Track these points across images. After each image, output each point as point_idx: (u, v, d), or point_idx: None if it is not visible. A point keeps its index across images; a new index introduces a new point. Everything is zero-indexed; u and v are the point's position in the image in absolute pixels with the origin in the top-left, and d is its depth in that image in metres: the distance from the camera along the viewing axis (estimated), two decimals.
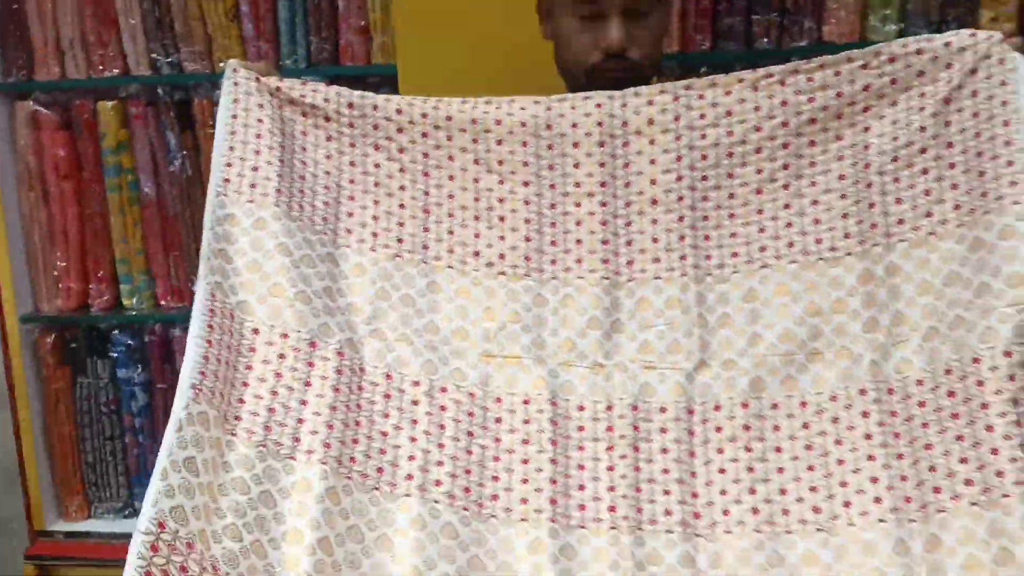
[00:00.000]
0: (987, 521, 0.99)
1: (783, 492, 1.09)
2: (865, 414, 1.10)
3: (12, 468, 2.09)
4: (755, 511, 1.08)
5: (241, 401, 1.10)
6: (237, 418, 1.09)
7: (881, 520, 1.04)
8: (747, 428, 1.12)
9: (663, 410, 1.14)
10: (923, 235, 1.14)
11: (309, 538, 1.03)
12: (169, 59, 2.00)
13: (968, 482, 1.01)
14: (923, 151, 1.15)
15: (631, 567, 1.05)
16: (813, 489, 1.08)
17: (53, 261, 2.07)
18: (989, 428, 1.02)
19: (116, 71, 2.01)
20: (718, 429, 1.13)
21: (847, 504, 1.06)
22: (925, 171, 1.15)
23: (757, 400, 1.13)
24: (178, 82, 2.00)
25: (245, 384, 1.12)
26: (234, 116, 1.23)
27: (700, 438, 1.13)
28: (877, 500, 1.05)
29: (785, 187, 1.20)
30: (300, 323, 1.16)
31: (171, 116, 2.00)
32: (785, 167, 1.20)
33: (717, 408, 1.14)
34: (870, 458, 1.08)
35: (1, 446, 2.14)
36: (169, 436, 1.02)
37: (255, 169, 1.21)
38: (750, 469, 1.10)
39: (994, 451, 1.01)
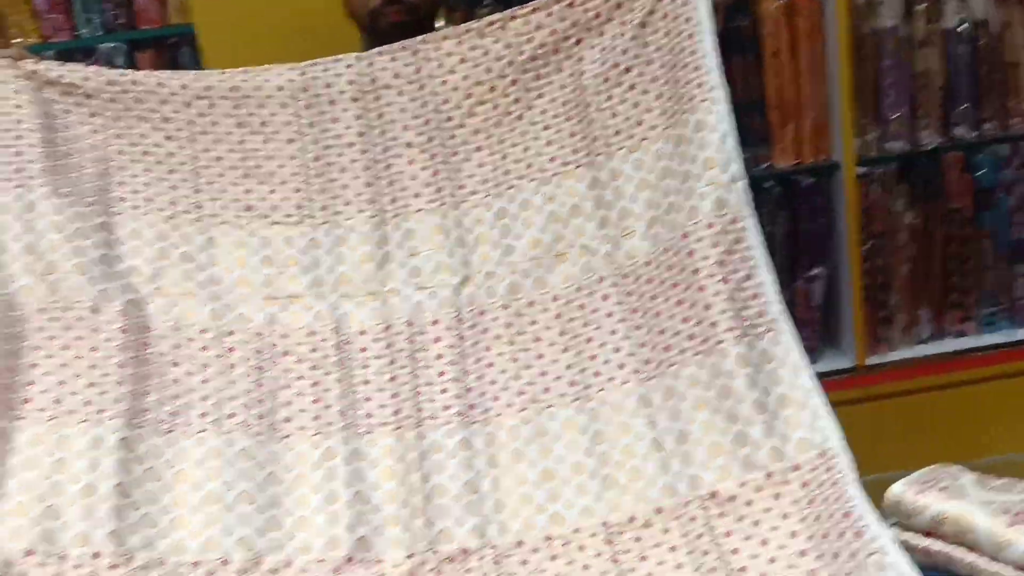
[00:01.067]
0: (708, 366, 1.17)
1: (543, 374, 1.26)
2: (605, 297, 1.28)
3: None
4: (520, 393, 1.24)
5: (31, 383, 1.18)
6: (27, 401, 1.17)
7: (626, 382, 1.22)
8: (508, 326, 1.29)
9: (435, 322, 1.29)
10: (637, 141, 1.32)
11: (104, 488, 1.12)
12: None
13: (691, 337, 1.19)
14: (628, 70, 1.33)
15: (416, 457, 1.20)
16: (569, 367, 1.25)
17: None
18: (701, 289, 1.19)
19: None
20: (484, 331, 1.29)
21: (597, 374, 1.24)
22: (632, 87, 1.33)
23: (515, 301, 1.30)
24: None
25: (33, 366, 1.19)
26: None
27: (470, 341, 1.28)
28: (621, 366, 1.23)
29: (519, 118, 1.37)
30: (80, 293, 1.23)
31: None
32: (516, 101, 1.36)
33: (482, 314, 1.30)
34: (612, 333, 1.26)
35: None
36: None
37: (19, 154, 1.26)
38: (514, 360, 1.27)
39: (707, 307, 1.18)
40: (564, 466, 1.19)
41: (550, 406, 1.23)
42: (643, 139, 1.32)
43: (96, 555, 1.08)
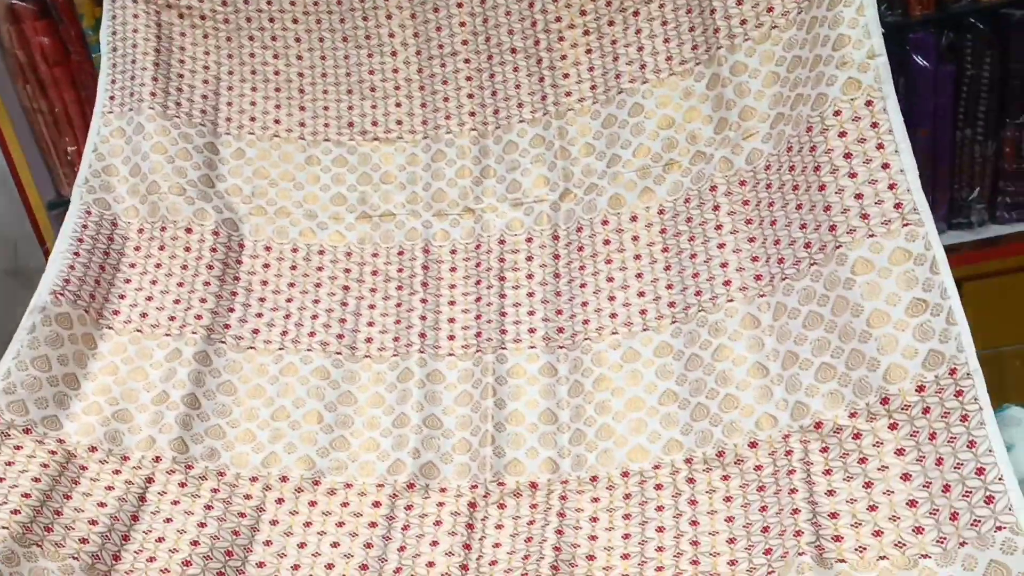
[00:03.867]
0: (825, 276, 1.04)
1: (641, 294, 1.20)
2: (716, 208, 1.19)
3: None
4: (613, 315, 1.20)
5: (122, 296, 1.27)
6: (116, 313, 1.26)
7: (731, 300, 1.14)
8: (607, 243, 1.23)
9: (529, 240, 1.27)
10: (766, 30, 1.17)
11: (174, 396, 1.20)
12: None
13: (807, 245, 1.08)
14: None
15: (492, 382, 1.19)
16: (669, 286, 1.19)
17: (64, 147, 2.24)
18: (822, 188, 1.07)
19: None
20: (580, 248, 1.24)
21: (699, 293, 1.16)
22: None
23: (617, 215, 1.23)
24: None
25: (127, 281, 1.28)
26: (113, 33, 1.35)
27: (564, 259, 1.24)
28: (727, 283, 1.15)
29: (635, 13, 1.24)
30: (176, 213, 1.30)
31: None
32: None
33: (579, 230, 1.24)
34: (721, 247, 1.17)
35: None
36: (19, 336, 1.18)
37: (132, 78, 1.34)
38: (610, 279, 1.22)
39: (827, 208, 1.05)
40: (653, 395, 1.14)
41: (645, 329, 1.18)
42: (772, 27, 1.16)
43: (157, 459, 1.16)
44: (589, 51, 1.27)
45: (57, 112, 2.21)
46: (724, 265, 1.16)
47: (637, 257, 1.22)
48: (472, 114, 1.32)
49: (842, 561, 0.89)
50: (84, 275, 1.25)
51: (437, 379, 1.22)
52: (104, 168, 1.31)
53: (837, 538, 0.91)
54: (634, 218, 1.23)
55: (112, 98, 1.34)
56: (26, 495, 1.06)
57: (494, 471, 1.14)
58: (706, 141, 1.21)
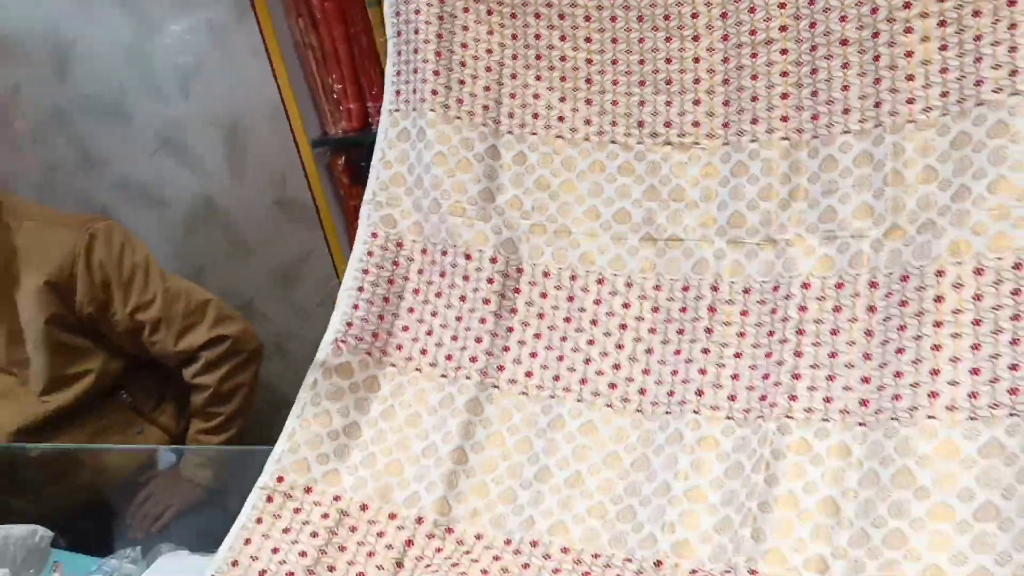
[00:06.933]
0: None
1: (975, 372, 0.94)
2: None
3: None
4: (933, 395, 0.95)
5: (405, 328, 1.18)
6: (399, 347, 1.18)
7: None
8: (939, 300, 0.96)
9: (839, 285, 1.03)
10: None
11: (443, 450, 1.10)
12: None
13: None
14: None
15: (767, 454, 1.00)
16: (1014, 368, 0.91)
17: (331, 85, 2.24)
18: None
19: None
20: (903, 303, 0.99)
21: None
22: None
23: (956, 266, 0.96)
24: None
25: (411, 311, 1.19)
26: (397, 13, 1.22)
27: (880, 315, 1.00)
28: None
29: (1011, 2, 0.97)
30: (455, 237, 1.18)
31: None
32: None
33: (905, 279, 0.99)
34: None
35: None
36: (302, 394, 1.12)
37: (415, 71, 1.20)
38: (936, 347, 0.96)
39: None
40: (969, 506, 0.89)
41: (973, 418, 0.92)
42: None
43: (419, 520, 1.08)
44: (944, 47, 0.99)
45: (326, 49, 2.21)
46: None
47: (977, 322, 0.94)
48: (784, 119, 1.08)
49: None
50: (368, 313, 1.17)
51: (709, 446, 1.04)
52: (391, 178, 1.21)
53: None
54: (979, 271, 0.95)
55: (398, 93, 1.21)
56: (289, 573, 1.03)
57: (748, 556, 0.95)
58: None
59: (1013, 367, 0.91)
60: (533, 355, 1.16)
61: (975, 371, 0.93)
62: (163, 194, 2.72)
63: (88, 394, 2.01)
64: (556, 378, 1.14)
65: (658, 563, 0.99)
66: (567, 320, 1.16)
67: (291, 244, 2.63)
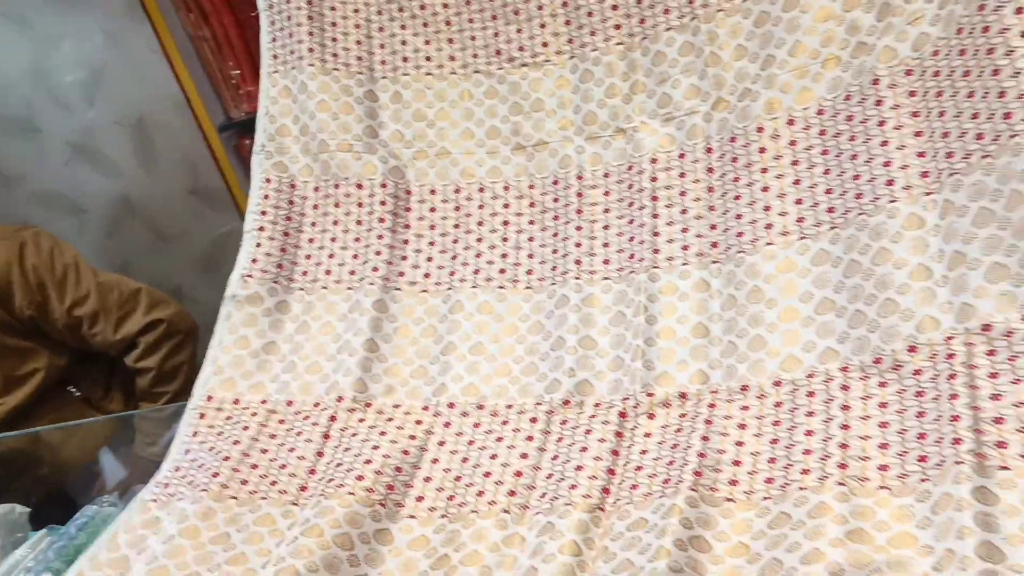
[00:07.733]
0: (998, 169, 0.96)
1: (798, 202, 1.15)
2: (879, 102, 1.10)
3: None
4: (768, 226, 1.15)
5: (308, 256, 1.32)
6: (304, 273, 1.31)
7: (893, 201, 1.06)
8: (762, 151, 1.18)
9: (682, 156, 1.23)
10: None
11: (355, 343, 1.25)
12: None
13: (978, 136, 0.99)
14: None
15: (643, 300, 1.19)
16: (828, 191, 1.12)
17: (228, 71, 2.35)
18: (996, 72, 0.97)
19: None
20: (734, 159, 1.19)
21: (859, 196, 1.09)
22: None
23: (772, 121, 1.18)
24: None
25: (311, 240, 1.33)
26: None
27: (718, 172, 1.20)
28: (890, 183, 1.07)
29: None
30: (345, 170, 1.33)
31: None
32: None
33: (733, 140, 1.20)
34: (884, 144, 1.09)
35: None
36: (219, 325, 1.25)
37: (290, 35, 1.35)
38: (765, 188, 1.17)
39: (1001, 94, 0.96)
40: (809, 304, 1.09)
41: (802, 237, 1.12)
42: None
43: (339, 399, 1.21)
44: None
45: (219, 38, 2.31)
46: (887, 164, 1.07)
47: (795, 163, 1.16)
48: (618, 27, 1.27)
49: (1005, 468, 0.82)
50: (270, 248, 1.30)
51: (592, 303, 1.22)
52: (278, 130, 1.35)
53: (1001, 444, 0.84)
54: (791, 122, 1.17)
55: (275, 56, 1.36)
56: (226, 457, 1.16)
57: (643, 383, 1.14)
58: (868, 30, 1.12)
59: (828, 191, 1.13)
60: (429, 259, 1.32)
61: (799, 201, 1.15)
62: (81, 200, 2.78)
63: (39, 391, 2.09)
64: (452, 273, 1.31)
65: (565, 402, 1.17)
66: (456, 226, 1.33)
67: (210, 228, 2.74)
